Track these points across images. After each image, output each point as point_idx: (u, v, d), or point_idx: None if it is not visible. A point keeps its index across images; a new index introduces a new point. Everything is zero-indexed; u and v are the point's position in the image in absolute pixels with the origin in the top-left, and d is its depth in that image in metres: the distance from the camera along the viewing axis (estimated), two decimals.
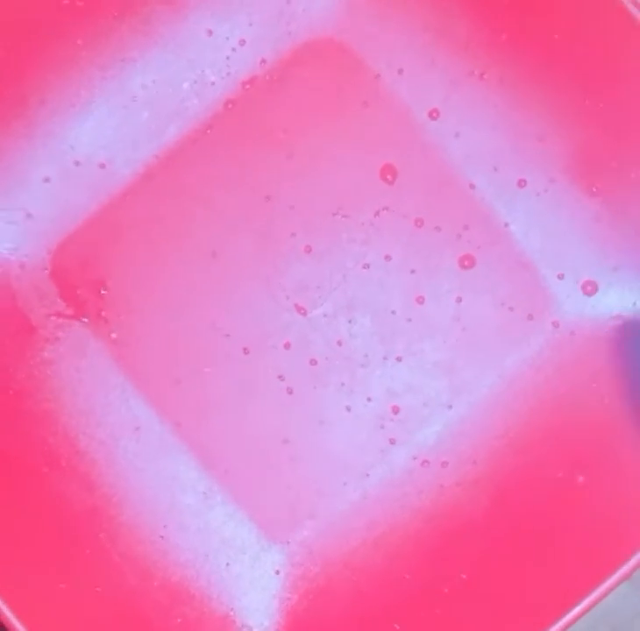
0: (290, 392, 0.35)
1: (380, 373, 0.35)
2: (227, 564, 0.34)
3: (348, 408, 0.35)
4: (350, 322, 0.35)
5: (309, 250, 0.35)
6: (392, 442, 0.35)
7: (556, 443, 0.34)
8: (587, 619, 0.34)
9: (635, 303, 0.34)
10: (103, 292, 0.35)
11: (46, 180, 0.35)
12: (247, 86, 0.36)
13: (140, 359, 0.35)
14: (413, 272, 0.35)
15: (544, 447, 0.34)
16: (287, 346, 0.35)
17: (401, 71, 0.35)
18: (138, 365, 0.35)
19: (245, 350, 0.35)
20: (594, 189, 0.34)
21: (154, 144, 0.36)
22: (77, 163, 0.35)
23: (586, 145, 0.34)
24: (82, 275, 0.35)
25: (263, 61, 0.36)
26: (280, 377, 0.35)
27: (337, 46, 0.35)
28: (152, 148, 0.36)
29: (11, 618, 0.30)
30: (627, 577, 0.30)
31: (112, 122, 0.36)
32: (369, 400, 0.35)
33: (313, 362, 0.35)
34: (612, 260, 0.35)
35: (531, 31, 0.34)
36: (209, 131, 0.36)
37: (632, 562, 0.30)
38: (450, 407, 0.35)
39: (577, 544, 0.31)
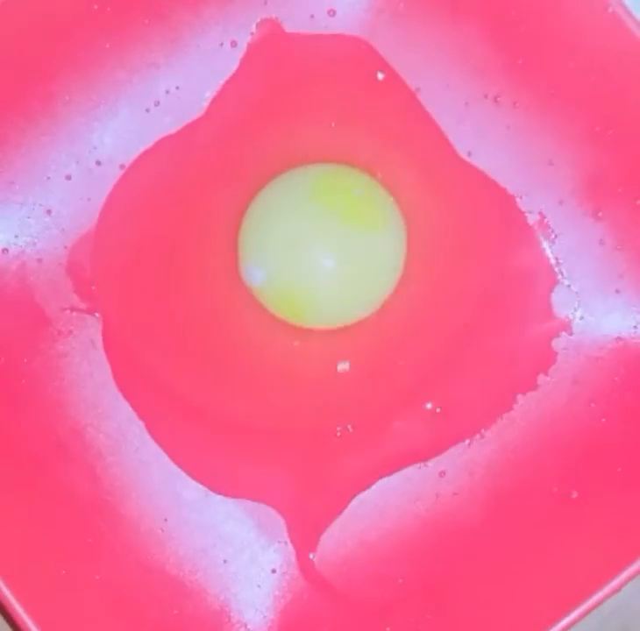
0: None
1: None
2: (225, 561, 0.34)
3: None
4: None
5: None
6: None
7: (551, 459, 0.34)
8: (597, 615, 0.35)
9: (636, 326, 0.35)
10: (116, 289, 0.36)
11: (68, 177, 0.36)
12: (271, 96, 0.37)
13: (148, 356, 0.36)
14: None
15: (539, 462, 0.35)
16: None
17: (417, 90, 0.36)
18: (146, 361, 0.36)
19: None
20: (600, 214, 0.35)
21: (175, 148, 0.37)
22: (98, 163, 0.36)
23: (594, 170, 0.35)
24: (97, 272, 0.36)
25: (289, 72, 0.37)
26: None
27: (359, 62, 0.36)
28: (172, 152, 0.37)
29: (12, 601, 0.31)
30: (617, 590, 0.31)
31: (135, 125, 0.36)
32: None
33: None
34: (614, 283, 0.36)
35: (546, 57, 0.35)
36: (230, 139, 0.36)
37: (622, 576, 0.30)
38: (448, 418, 0.36)
39: (569, 556, 0.32)
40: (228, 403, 0.35)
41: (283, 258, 0.35)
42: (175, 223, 0.36)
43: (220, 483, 0.34)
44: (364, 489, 0.35)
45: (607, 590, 0.31)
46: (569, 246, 0.36)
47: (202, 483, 0.34)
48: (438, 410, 0.35)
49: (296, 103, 0.36)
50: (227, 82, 0.36)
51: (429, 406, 0.35)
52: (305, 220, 0.35)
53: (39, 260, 0.36)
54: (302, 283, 0.35)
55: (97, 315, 0.36)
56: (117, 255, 0.36)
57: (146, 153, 0.36)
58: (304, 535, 0.34)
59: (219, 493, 0.34)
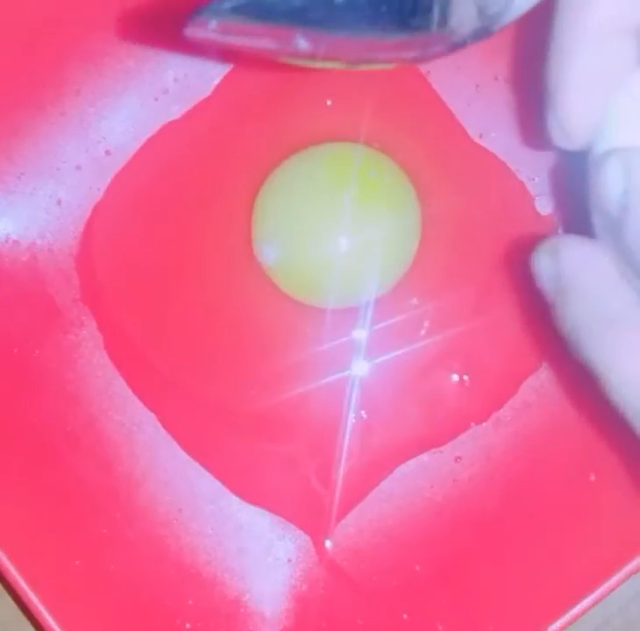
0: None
1: None
2: (240, 551, 0.34)
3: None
4: None
5: None
6: None
7: (568, 442, 0.34)
8: (599, 612, 0.34)
9: None
10: (125, 279, 0.36)
11: (78, 167, 0.36)
12: (280, 79, 0.36)
13: (158, 345, 0.36)
14: None
15: (556, 445, 0.34)
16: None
17: (428, 73, 0.36)
18: (156, 351, 0.36)
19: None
20: None
21: (183, 136, 0.36)
22: (108, 152, 0.36)
23: None
24: (107, 261, 0.36)
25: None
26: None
27: None
28: (181, 140, 0.36)
29: (28, 592, 0.31)
30: (635, 572, 0.30)
31: (143, 114, 0.36)
32: None
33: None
34: None
35: None
36: (239, 125, 0.36)
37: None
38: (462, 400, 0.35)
39: (588, 539, 0.32)
40: (237, 391, 0.35)
41: (297, 237, 0.35)
42: (185, 207, 0.36)
43: (235, 479, 0.34)
44: (383, 478, 0.34)
45: (622, 574, 0.31)
46: (583, 228, 0.35)
47: (217, 478, 0.34)
48: (465, 377, 0.35)
49: (307, 87, 0.36)
50: (235, 67, 0.36)
51: (453, 379, 0.35)
52: (320, 198, 0.35)
53: (50, 251, 0.36)
54: (315, 262, 0.35)
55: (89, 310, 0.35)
56: (123, 244, 0.36)
57: (152, 140, 0.36)
58: (320, 524, 0.34)
59: (235, 494, 0.34)
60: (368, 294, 0.35)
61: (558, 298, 0.25)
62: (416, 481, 0.35)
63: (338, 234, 0.35)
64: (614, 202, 0.24)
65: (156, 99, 0.36)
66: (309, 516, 0.34)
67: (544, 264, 0.26)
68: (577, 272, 0.25)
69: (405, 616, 0.33)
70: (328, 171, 0.35)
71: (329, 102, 0.36)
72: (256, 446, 0.35)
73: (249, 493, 0.34)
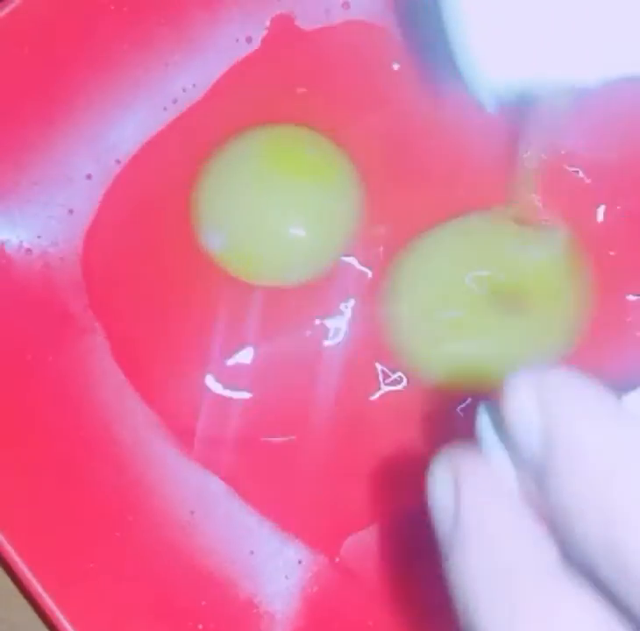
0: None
1: None
2: (251, 552, 0.34)
3: None
4: None
5: None
6: None
7: None
8: None
9: None
10: (135, 286, 0.36)
11: (88, 177, 0.36)
12: (287, 91, 0.37)
13: (168, 351, 0.36)
14: None
15: None
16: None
17: (435, 78, 0.36)
18: (166, 356, 0.36)
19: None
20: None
21: (192, 145, 0.37)
22: (118, 161, 0.37)
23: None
24: (117, 269, 0.37)
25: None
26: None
27: (375, 52, 0.37)
28: (190, 149, 0.37)
29: (44, 596, 0.31)
30: None
31: (153, 123, 0.37)
32: None
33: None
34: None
35: None
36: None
37: None
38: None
39: None
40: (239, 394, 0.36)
41: (240, 220, 0.36)
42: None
43: (245, 487, 0.34)
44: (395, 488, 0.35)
45: None
46: None
47: (226, 484, 0.34)
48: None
49: (280, 72, 0.37)
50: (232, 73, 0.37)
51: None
52: (258, 180, 0.35)
53: (62, 259, 0.36)
54: (260, 242, 0.35)
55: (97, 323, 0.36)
56: (128, 252, 0.37)
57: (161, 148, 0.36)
58: (331, 528, 0.34)
59: (247, 503, 0.34)
60: (316, 270, 0.36)
61: (448, 543, 0.19)
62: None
63: (279, 212, 0.35)
64: (535, 442, 0.18)
65: (165, 109, 0.37)
66: (318, 528, 0.34)
67: (439, 488, 0.19)
68: (480, 516, 0.18)
69: (417, 617, 0.33)
70: (265, 151, 0.36)
71: (301, 90, 0.37)
72: (262, 452, 0.35)
73: (259, 505, 0.34)
